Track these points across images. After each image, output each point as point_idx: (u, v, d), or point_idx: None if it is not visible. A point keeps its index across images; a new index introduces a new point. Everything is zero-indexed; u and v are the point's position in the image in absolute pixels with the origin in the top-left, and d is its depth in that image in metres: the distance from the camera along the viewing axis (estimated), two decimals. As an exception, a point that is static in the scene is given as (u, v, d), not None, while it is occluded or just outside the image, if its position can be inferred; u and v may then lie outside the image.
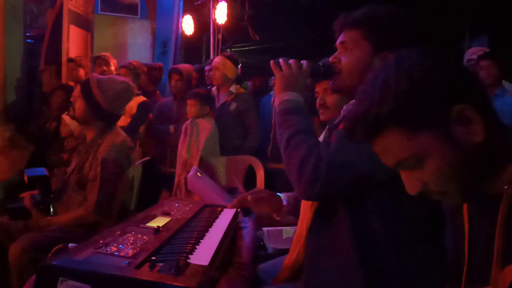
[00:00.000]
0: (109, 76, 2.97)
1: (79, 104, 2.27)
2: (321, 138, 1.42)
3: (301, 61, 1.34)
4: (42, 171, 2.27)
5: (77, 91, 2.32)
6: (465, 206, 0.90)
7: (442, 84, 0.78)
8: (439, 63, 0.80)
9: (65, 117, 3.28)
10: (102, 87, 2.27)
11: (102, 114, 2.27)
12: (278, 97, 1.31)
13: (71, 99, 2.32)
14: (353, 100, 1.24)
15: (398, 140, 0.80)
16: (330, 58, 1.33)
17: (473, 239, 0.87)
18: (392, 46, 1.22)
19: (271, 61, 1.35)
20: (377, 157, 1.06)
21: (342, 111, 1.33)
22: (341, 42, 1.30)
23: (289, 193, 1.58)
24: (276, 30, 6.37)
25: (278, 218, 1.61)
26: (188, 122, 3.33)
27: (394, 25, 1.24)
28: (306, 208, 1.32)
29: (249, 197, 1.54)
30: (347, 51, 1.28)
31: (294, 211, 1.54)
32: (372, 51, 1.25)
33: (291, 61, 1.34)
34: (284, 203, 1.55)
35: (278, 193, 1.58)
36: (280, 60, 1.34)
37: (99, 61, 4.06)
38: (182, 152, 3.30)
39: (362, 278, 1.13)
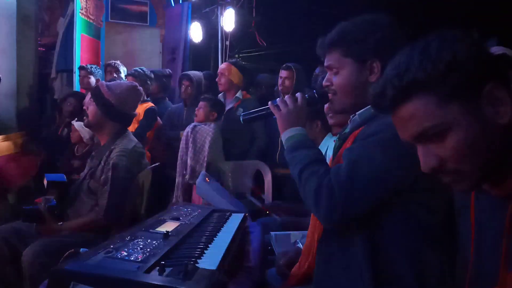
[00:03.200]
0: (116, 81, 3.05)
1: (91, 108, 2.33)
2: (330, 148, 1.44)
3: (296, 95, 1.38)
4: (62, 177, 2.36)
5: (88, 97, 2.38)
6: (472, 205, 0.90)
7: (481, 59, 0.79)
8: (480, 41, 0.81)
9: (75, 123, 3.34)
10: (111, 87, 2.36)
11: (114, 114, 2.33)
12: (282, 137, 1.35)
13: (84, 107, 2.38)
14: (360, 110, 1.27)
15: (427, 107, 0.79)
16: (323, 83, 1.36)
17: (480, 239, 0.87)
18: (373, 54, 1.25)
19: (269, 104, 1.40)
20: (391, 166, 1.07)
21: (349, 120, 1.35)
22: (327, 66, 1.34)
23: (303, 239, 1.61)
24: (284, 36, 6.40)
25: None
26: (189, 129, 3.35)
27: (367, 34, 1.25)
28: (317, 220, 1.32)
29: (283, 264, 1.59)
30: (335, 72, 1.31)
31: None
32: (357, 65, 1.27)
33: (286, 97, 1.38)
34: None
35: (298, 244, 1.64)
36: (277, 100, 1.39)
37: (109, 68, 4.13)
38: (183, 158, 3.32)
39: (372, 287, 1.13)
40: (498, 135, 0.77)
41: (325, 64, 1.34)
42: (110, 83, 2.49)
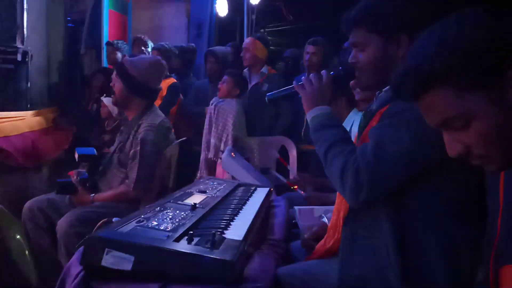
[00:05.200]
0: (140, 56, 3.09)
1: (117, 85, 2.37)
2: (355, 123, 1.42)
3: (321, 72, 1.37)
4: (92, 150, 2.44)
5: (114, 74, 2.42)
6: (502, 183, 0.89)
7: (502, 45, 0.76)
8: (500, 24, 0.78)
9: (104, 99, 3.41)
10: (134, 63, 2.39)
11: (139, 89, 2.37)
12: (307, 116, 1.34)
13: (111, 84, 2.43)
14: (387, 87, 1.25)
15: (447, 98, 0.78)
16: (349, 59, 1.34)
17: (508, 217, 0.86)
18: (399, 28, 1.22)
19: (294, 83, 1.40)
20: (418, 146, 1.06)
21: (375, 97, 1.34)
22: (352, 43, 1.32)
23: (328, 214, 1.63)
24: (311, 9, 6.27)
25: None
26: (212, 106, 3.37)
27: (393, 8, 1.23)
28: (343, 198, 1.31)
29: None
30: (361, 49, 1.29)
31: None
32: (383, 41, 1.24)
33: (311, 76, 1.37)
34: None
35: (323, 219, 1.65)
36: (302, 78, 1.38)
37: (137, 42, 4.18)
38: (208, 135, 3.36)
39: (398, 266, 1.12)
40: None
41: (350, 41, 1.32)
42: (134, 58, 2.52)
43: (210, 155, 3.32)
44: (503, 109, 0.76)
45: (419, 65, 0.79)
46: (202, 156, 3.41)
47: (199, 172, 3.41)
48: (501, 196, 0.89)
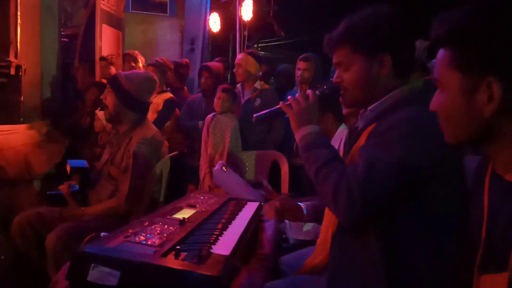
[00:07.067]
0: (132, 71, 3.11)
1: (109, 98, 2.39)
2: (340, 142, 1.43)
3: (307, 92, 1.39)
4: (84, 163, 2.44)
5: (108, 88, 2.44)
6: (486, 190, 0.90)
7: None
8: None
9: (99, 113, 3.42)
10: (128, 77, 2.42)
11: (132, 102, 2.40)
12: (296, 135, 1.34)
13: (102, 97, 2.44)
14: (372, 105, 1.28)
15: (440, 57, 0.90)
16: (333, 79, 1.36)
17: (492, 223, 0.87)
18: (382, 48, 1.24)
19: (281, 104, 1.41)
20: (407, 162, 1.09)
21: (359, 115, 1.36)
22: (336, 63, 1.33)
23: (308, 202, 1.64)
24: (301, 25, 6.36)
25: (298, 226, 1.72)
26: (209, 117, 3.39)
27: (375, 27, 1.24)
28: (332, 215, 1.32)
29: (277, 204, 1.62)
30: (345, 68, 1.30)
31: (313, 219, 1.65)
32: (366, 60, 1.26)
33: (297, 95, 1.38)
34: (304, 212, 1.62)
35: (299, 203, 1.66)
36: (289, 97, 1.39)
37: (128, 58, 4.20)
38: (206, 147, 3.37)
39: (386, 283, 1.13)
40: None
41: (334, 61, 1.33)
42: (127, 73, 2.54)
43: (206, 166, 3.33)
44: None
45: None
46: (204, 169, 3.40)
47: (199, 185, 3.40)
48: (486, 201, 0.90)
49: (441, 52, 0.91)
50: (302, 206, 1.63)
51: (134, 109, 2.41)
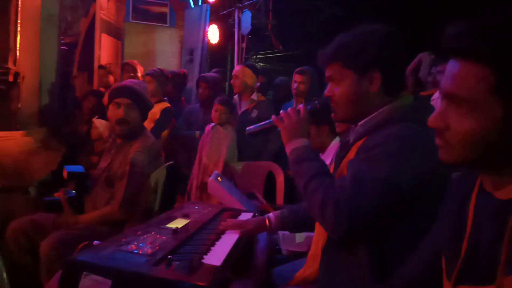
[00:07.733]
0: (135, 80, 3.14)
1: (134, 114, 2.37)
2: (334, 155, 1.43)
3: (298, 106, 1.41)
4: (81, 168, 2.43)
5: (126, 102, 2.36)
6: (473, 202, 0.91)
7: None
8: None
9: (95, 121, 3.44)
10: (143, 89, 2.47)
11: (147, 113, 2.49)
12: (286, 149, 1.37)
13: (121, 116, 2.35)
14: (362, 121, 1.30)
15: (471, 73, 0.78)
16: (325, 93, 1.38)
17: (475, 237, 0.87)
18: (371, 65, 1.26)
19: (273, 117, 1.44)
20: (395, 178, 1.10)
21: (351, 130, 1.38)
22: (328, 77, 1.36)
23: (277, 212, 1.68)
24: (299, 38, 6.43)
25: None
26: (209, 127, 3.41)
27: (366, 46, 1.26)
28: (322, 228, 1.33)
29: (239, 233, 1.62)
30: (336, 83, 1.33)
31: (281, 228, 1.70)
32: (356, 76, 1.28)
33: (289, 110, 1.41)
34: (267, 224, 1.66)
35: (266, 215, 1.69)
36: (281, 112, 1.42)
37: (127, 68, 4.22)
38: (201, 156, 3.38)
39: None
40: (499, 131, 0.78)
41: (326, 75, 1.36)
42: (137, 82, 2.54)
43: (200, 175, 3.33)
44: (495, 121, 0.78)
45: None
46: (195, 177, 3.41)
47: (185, 195, 3.41)
48: (471, 214, 0.91)
49: (462, 66, 0.80)
50: (267, 218, 1.66)
51: (145, 119, 2.44)
